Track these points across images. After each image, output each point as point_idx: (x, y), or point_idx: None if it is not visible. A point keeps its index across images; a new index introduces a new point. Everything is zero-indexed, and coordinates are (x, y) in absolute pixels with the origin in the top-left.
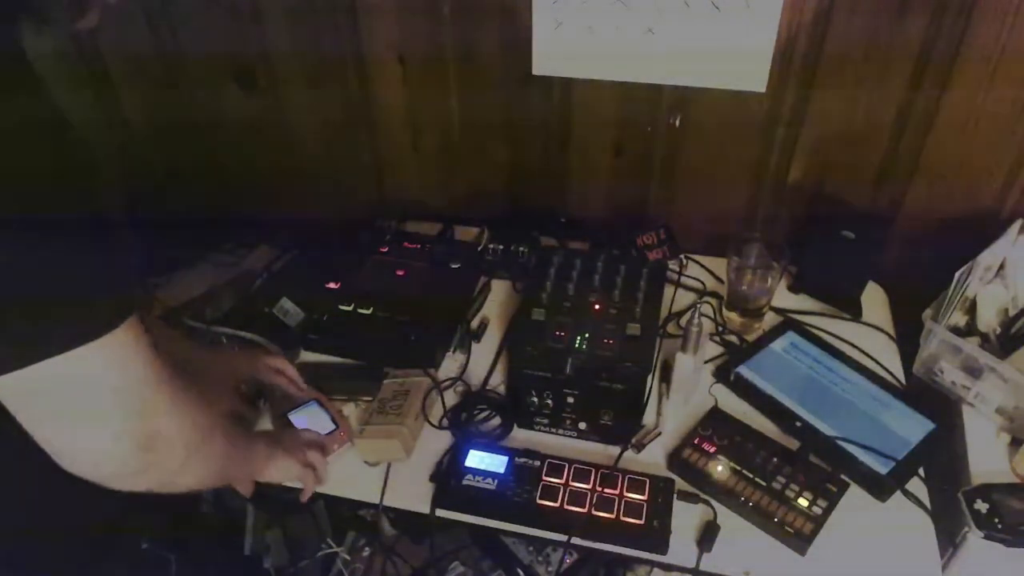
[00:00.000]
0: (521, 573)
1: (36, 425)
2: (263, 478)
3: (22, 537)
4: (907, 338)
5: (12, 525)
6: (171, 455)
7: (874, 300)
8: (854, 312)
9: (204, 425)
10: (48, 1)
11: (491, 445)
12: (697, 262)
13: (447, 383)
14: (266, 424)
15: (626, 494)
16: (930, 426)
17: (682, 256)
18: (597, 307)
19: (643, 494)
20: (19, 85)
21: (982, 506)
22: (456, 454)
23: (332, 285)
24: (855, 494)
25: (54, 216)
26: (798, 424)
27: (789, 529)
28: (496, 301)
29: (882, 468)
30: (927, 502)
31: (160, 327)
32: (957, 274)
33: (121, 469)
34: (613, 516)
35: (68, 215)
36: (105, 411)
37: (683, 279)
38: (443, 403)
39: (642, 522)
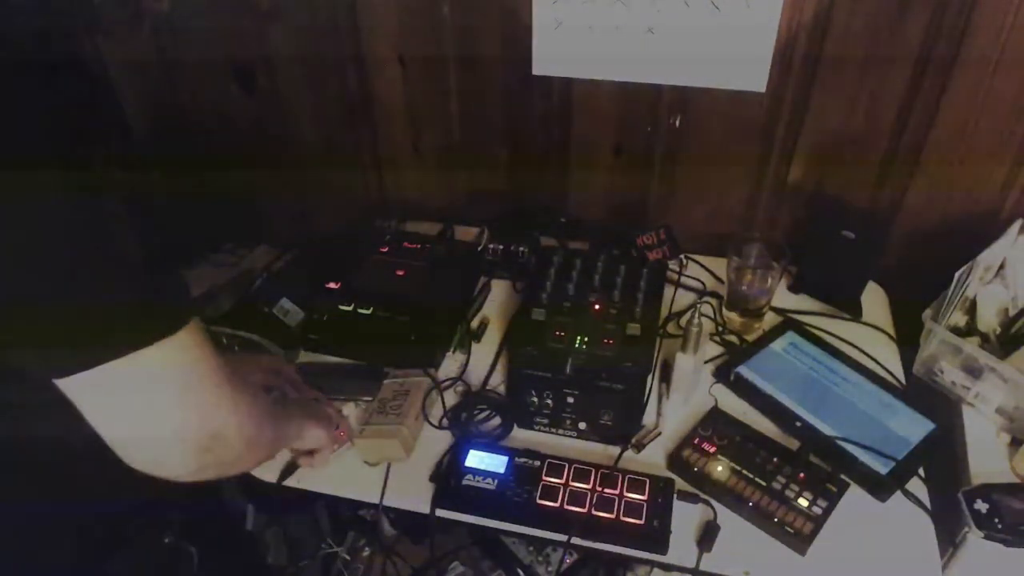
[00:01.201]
0: (521, 573)
1: (102, 423)
2: (295, 446)
3: (48, 530)
4: (907, 338)
5: (38, 519)
6: (229, 451)
7: (874, 300)
8: (854, 312)
9: (258, 417)
10: (105, 13)
11: (491, 445)
12: (697, 262)
13: (447, 383)
14: None
15: (626, 494)
16: (930, 426)
17: (682, 256)
18: (597, 307)
19: (643, 494)
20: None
21: (982, 506)
22: (456, 454)
23: (332, 285)
24: (855, 494)
25: (121, 219)
26: (798, 424)
27: (789, 529)
28: (496, 301)
29: (882, 468)
30: (927, 502)
31: None
32: (957, 274)
33: (181, 469)
34: (613, 516)
35: (117, 252)
36: (170, 411)
37: (683, 279)
38: (443, 403)
39: (642, 522)
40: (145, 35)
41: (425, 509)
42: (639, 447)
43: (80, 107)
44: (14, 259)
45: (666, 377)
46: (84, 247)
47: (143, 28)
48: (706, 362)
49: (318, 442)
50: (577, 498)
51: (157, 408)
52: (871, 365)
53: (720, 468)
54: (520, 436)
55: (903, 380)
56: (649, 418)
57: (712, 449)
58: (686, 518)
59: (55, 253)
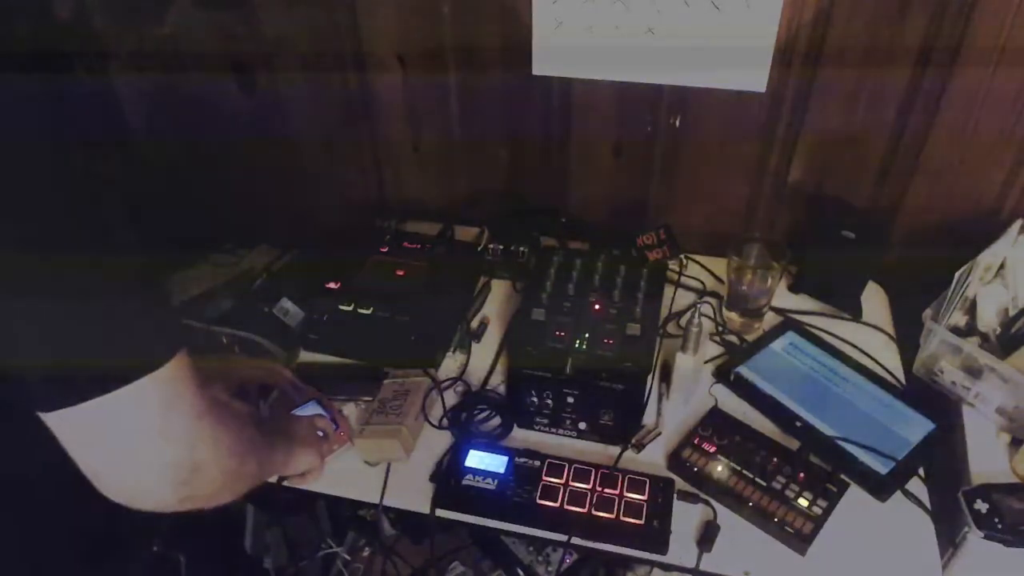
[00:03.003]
0: (521, 573)
1: (83, 456)
2: (284, 473)
3: (36, 539)
4: (907, 338)
5: (25, 527)
6: (208, 484)
7: (874, 300)
8: (854, 312)
9: (240, 450)
10: (109, 42)
11: (491, 445)
12: (697, 262)
13: (447, 383)
14: None
15: (626, 494)
16: (930, 426)
17: (682, 256)
18: (597, 307)
19: (643, 494)
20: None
21: (982, 506)
22: (456, 454)
23: (332, 285)
24: (855, 494)
25: (103, 254)
26: (798, 424)
27: (789, 529)
28: (496, 301)
29: (882, 468)
30: (927, 502)
31: None
32: (957, 274)
33: (159, 502)
34: (613, 516)
35: (118, 252)
36: (148, 445)
37: (683, 279)
38: (443, 403)
39: (642, 522)
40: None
41: (425, 509)
42: (639, 447)
43: (78, 120)
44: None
45: (666, 377)
46: (72, 280)
47: (146, 55)
48: (706, 362)
49: (309, 465)
50: (577, 498)
51: (135, 442)
52: (871, 365)
53: (720, 468)
54: (520, 436)
55: (903, 380)
56: (649, 418)
57: (712, 449)
58: (686, 518)
59: (42, 287)
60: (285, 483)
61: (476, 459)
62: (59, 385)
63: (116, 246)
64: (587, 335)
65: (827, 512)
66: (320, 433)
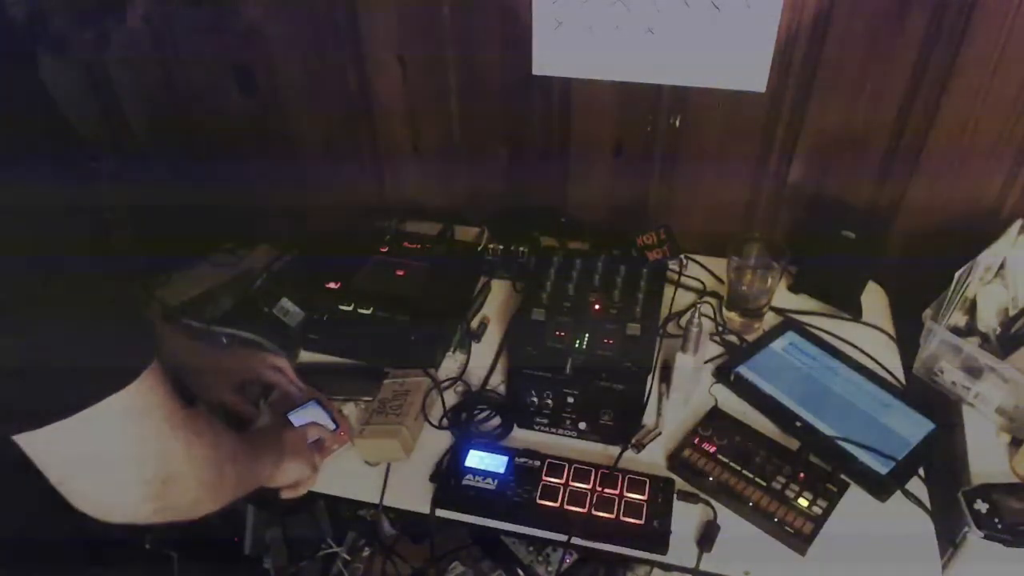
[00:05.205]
0: (521, 573)
1: (54, 472)
2: (272, 484)
3: (27, 537)
4: (907, 338)
5: (17, 522)
6: (184, 496)
7: (874, 300)
8: (854, 312)
9: (216, 462)
10: (67, 37)
11: (491, 445)
12: (697, 262)
13: (447, 383)
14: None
15: (626, 494)
16: (930, 426)
17: (682, 256)
18: (597, 307)
19: (643, 494)
20: (40, 120)
21: (982, 506)
22: (456, 454)
23: (332, 285)
24: (855, 494)
25: (70, 268)
26: (798, 424)
27: (789, 529)
28: (496, 301)
29: (882, 468)
30: (927, 502)
31: (160, 326)
32: (957, 274)
33: (134, 516)
34: (613, 516)
35: (85, 266)
36: (123, 461)
37: (683, 279)
38: (443, 403)
39: (642, 522)
40: (142, 40)
41: (425, 509)
42: (639, 447)
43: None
44: None
45: (666, 377)
46: (37, 308)
47: (111, 49)
48: (706, 362)
49: (299, 475)
50: (577, 498)
51: (105, 459)
52: (871, 365)
53: (720, 468)
54: (520, 436)
55: (903, 380)
56: (649, 418)
57: (712, 449)
58: (686, 518)
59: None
60: (281, 495)
61: (476, 459)
62: (24, 408)
63: (128, 290)
64: (587, 335)
65: (827, 512)
66: (314, 438)
